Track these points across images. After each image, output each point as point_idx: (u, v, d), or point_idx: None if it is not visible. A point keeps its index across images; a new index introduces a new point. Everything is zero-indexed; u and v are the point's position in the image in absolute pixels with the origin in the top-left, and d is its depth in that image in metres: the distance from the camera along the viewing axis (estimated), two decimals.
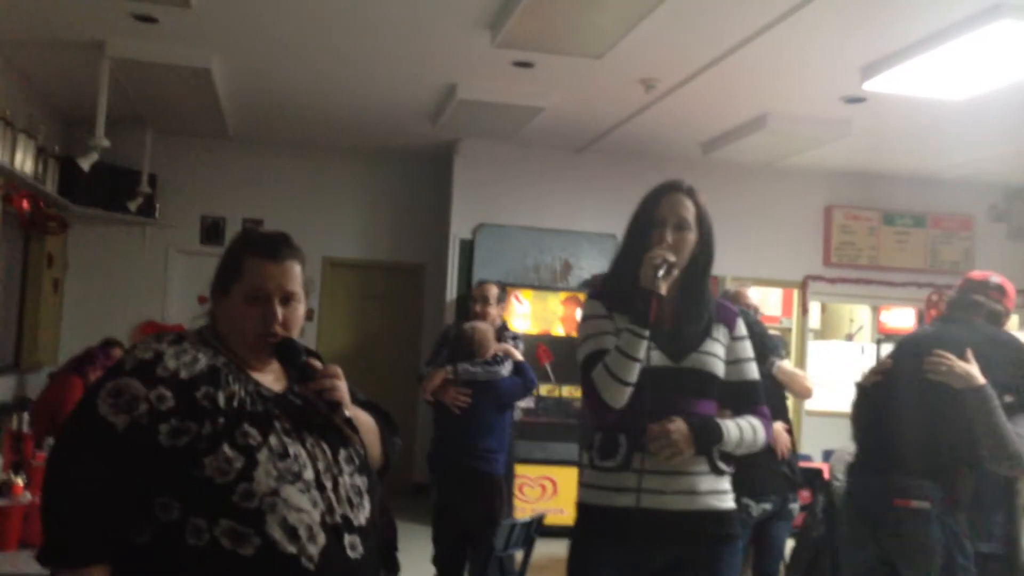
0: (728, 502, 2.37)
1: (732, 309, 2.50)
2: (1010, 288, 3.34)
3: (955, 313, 3.29)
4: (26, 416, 4.42)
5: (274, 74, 6.38)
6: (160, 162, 7.80)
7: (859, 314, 9.73)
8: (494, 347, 4.75)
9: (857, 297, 8.80)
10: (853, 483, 3.37)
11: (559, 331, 7.03)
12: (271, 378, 1.86)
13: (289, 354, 1.84)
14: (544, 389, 6.85)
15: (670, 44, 5.32)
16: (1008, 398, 3.06)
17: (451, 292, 8.00)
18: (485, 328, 4.83)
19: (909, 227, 8.62)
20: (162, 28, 5.44)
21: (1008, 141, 6.97)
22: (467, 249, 7.95)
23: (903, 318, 9.06)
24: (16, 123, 5.86)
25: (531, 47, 5.40)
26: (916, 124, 6.67)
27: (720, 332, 2.42)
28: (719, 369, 2.39)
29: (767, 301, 8.58)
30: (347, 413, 1.81)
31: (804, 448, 7.87)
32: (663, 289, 2.29)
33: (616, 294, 2.40)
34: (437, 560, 4.79)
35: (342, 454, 1.82)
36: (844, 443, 5.24)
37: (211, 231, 8.29)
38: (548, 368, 6.98)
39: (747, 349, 2.46)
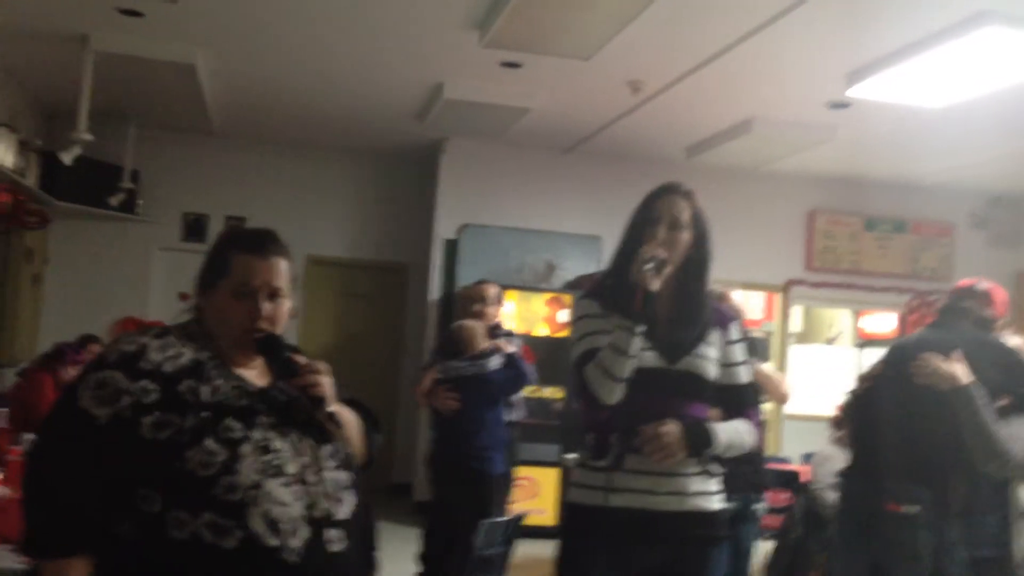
0: (716, 503, 2.39)
1: (727, 312, 2.52)
2: (999, 294, 3.37)
3: (944, 319, 3.33)
4: (3, 411, 4.37)
5: (260, 71, 6.35)
6: (143, 158, 7.74)
7: (840, 319, 9.79)
8: (483, 343, 4.75)
9: (838, 302, 8.86)
10: (845, 488, 3.40)
11: (542, 332, 7.03)
12: (255, 373, 1.87)
13: (273, 350, 1.85)
14: (526, 390, 6.86)
15: (657, 47, 5.34)
16: (1003, 401, 3.09)
17: (434, 292, 7.99)
18: (472, 325, 4.83)
19: (890, 233, 8.68)
20: (147, 22, 5.41)
21: (989, 148, 7.02)
22: (451, 249, 7.94)
23: (883, 323, 9.13)
24: None
25: (519, 47, 5.40)
26: (899, 130, 6.71)
27: (714, 335, 2.44)
28: (712, 372, 2.41)
29: (749, 305, 8.61)
30: (331, 409, 1.82)
31: (784, 451, 7.92)
32: (654, 285, 2.30)
33: (611, 293, 2.41)
34: (424, 557, 4.78)
35: (325, 449, 1.83)
36: (823, 446, 5.28)
37: (194, 228, 8.24)
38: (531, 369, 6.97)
39: (740, 353, 2.48)
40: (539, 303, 7.17)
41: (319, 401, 1.81)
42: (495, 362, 4.70)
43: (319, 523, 1.73)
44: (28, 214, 6.65)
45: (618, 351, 2.28)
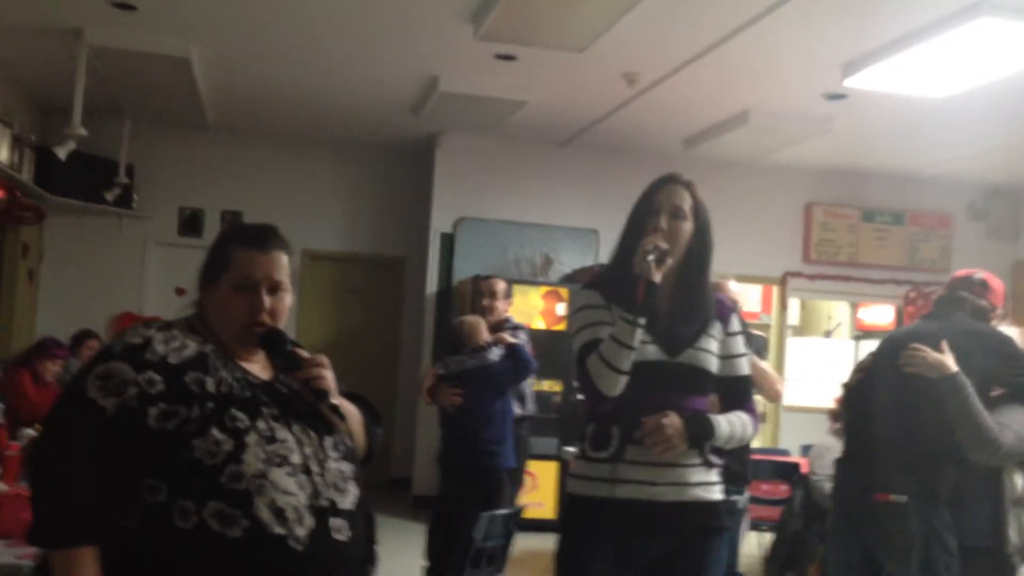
0: (716, 493, 2.39)
1: (728, 304, 2.51)
2: (996, 284, 3.37)
3: (939, 309, 3.35)
4: (2, 405, 4.37)
5: (254, 65, 6.33)
6: (138, 152, 7.72)
7: (838, 311, 9.80)
8: (484, 336, 4.76)
9: (836, 294, 8.85)
10: (837, 478, 3.41)
11: (539, 325, 7.03)
12: (258, 367, 1.89)
13: (275, 344, 1.87)
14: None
15: (653, 39, 5.33)
16: (996, 390, 3.10)
17: (431, 286, 7.98)
18: (473, 320, 4.84)
19: (888, 224, 8.68)
20: (141, 16, 5.39)
21: (987, 139, 7.02)
22: (447, 243, 7.93)
23: (881, 315, 9.14)
24: None
25: (514, 40, 5.39)
26: (896, 121, 6.71)
27: (715, 328, 2.43)
28: (713, 365, 2.40)
29: (746, 297, 8.61)
30: (334, 402, 1.85)
31: (782, 443, 7.93)
32: (656, 276, 2.29)
33: (614, 284, 2.40)
34: (429, 552, 4.80)
35: (328, 441, 1.86)
36: (822, 438, 5.29)
37: (189, 223, 8.22)
38: None
39: (740, 345, 2.48)
40: (536, 296, 7.16)
41: (322, 394, 1.84)
42: (496, 354, 4.71)
43: (324, 512, 1.76)
44: (23, 209, 6.63)
45: (619, 343, 2.28)
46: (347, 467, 1.86)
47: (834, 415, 5.09)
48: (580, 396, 2.51)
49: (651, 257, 2.28)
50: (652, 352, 2.33)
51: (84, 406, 1.71)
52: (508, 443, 4.74)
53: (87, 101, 5.94)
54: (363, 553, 1.86)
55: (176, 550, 1.67)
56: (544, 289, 7.25)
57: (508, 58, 5.78)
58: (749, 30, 5.03)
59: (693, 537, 2.35)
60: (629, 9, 4.74)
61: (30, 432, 4.02)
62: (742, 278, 8.00)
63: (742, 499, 4.22)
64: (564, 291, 7.20)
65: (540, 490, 6.85)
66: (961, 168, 8.02)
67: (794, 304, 8.98)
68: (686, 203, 2.40)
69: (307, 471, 1.77)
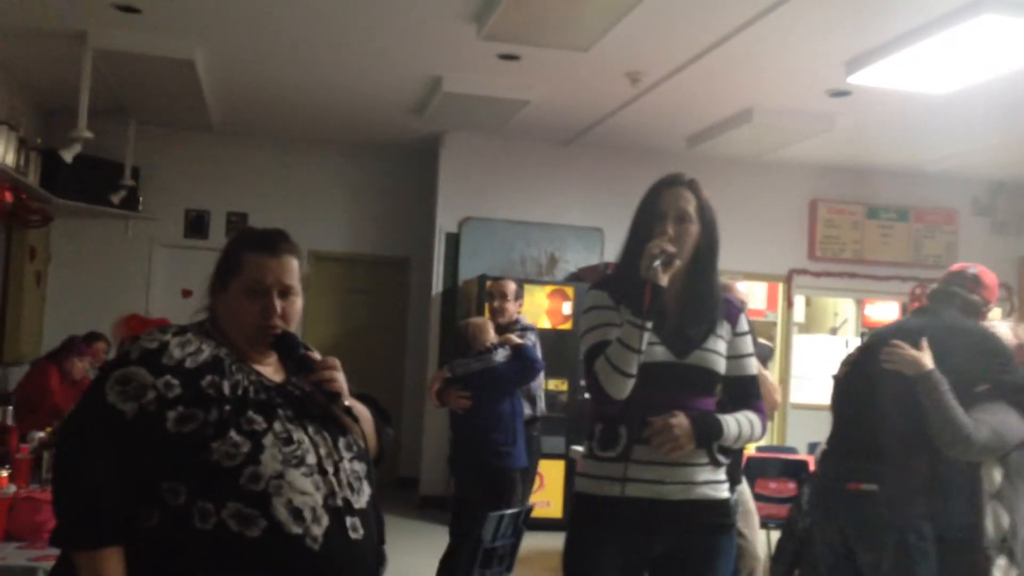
0: (724, 492, 2.40)
1: (737, 304, 2.52)
2: (988, 278, 3.39)
3: (932, 304, 3.39)
4: (10, 409, 4.38)
5: (258, 66, 6.35)
6: (143, 154, 7.74)
7: (843, 308, 9.78)
8: (490, 338, 4.76)
9: (841, 291, 8.85)
10: (819, 469, 3.51)
11: (545, 324, 7.03)
12: (270, 370, 1.92)
13: (288, 347, 1.90)
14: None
15: (656, 38, 5.33)
16: (981, 387, 3.13)
17: (436, 286, 7.99)
18: (479, 322, 4.85)
19: (893, 221, 8.67)
20: (145, 18, 5.40)
21: (991, 135, 7.01)
22: (453, 242, 7.94)
23: (887, 312, 9.12)
24: None
25: (517, 40, 5.39)
26: (900, 118, 6.70)
27: (723, 328, 2.44)
28: (721, 366, 2.41)
29: (752, 295, 8.61)
30: (346, 403, 1.87)
31: (789, 441, 7.93)
32: (663, 280, 2.30)
33: (622, 285, 2.41)
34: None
35: (341, 441, 1.89)
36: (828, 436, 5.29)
37: (195, 224, 8.24)
38: None
39: (748, 344, 2.49)
40: (542, 296, 7.17)
41: (335, 396, 1.87)
42: (501, 355, 4.71)
43: (339, 511, 1.79)
44: (30, 212, 6.65)
45: (626, 347, 2.28)
46: (360, 467, 1.90)
47: None
48: (588, 395, 2.51)
49: (656, 262, 2.29)
50: (660, 353, 2.34)
51: (104, 411, 1.74)
52: (519, 444, 4.74)
53: (92, 104, 5.96)
54: (375, 551, 1.88)
55: (196, 551, 1.70)
56: (550, 288, 7.26)
57: (511, 58, 5.79)
58: (752, 28, 5.03)
59: (701, 535, 2.36)
60: (632, 8, 4.74)
61: (40, 435, 4.03)
62: (747, 276, 8.03)
63: (734, 498, 4.24)
64: (570, 290, 7.20)
65: (547, 489, 6.86)
66: (965, 164, 8.01)
67: (800, 301, 8.97)
68: (691, 205, 2.40)
69: (322, 471, 1.80)
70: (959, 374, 3.09)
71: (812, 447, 6.46)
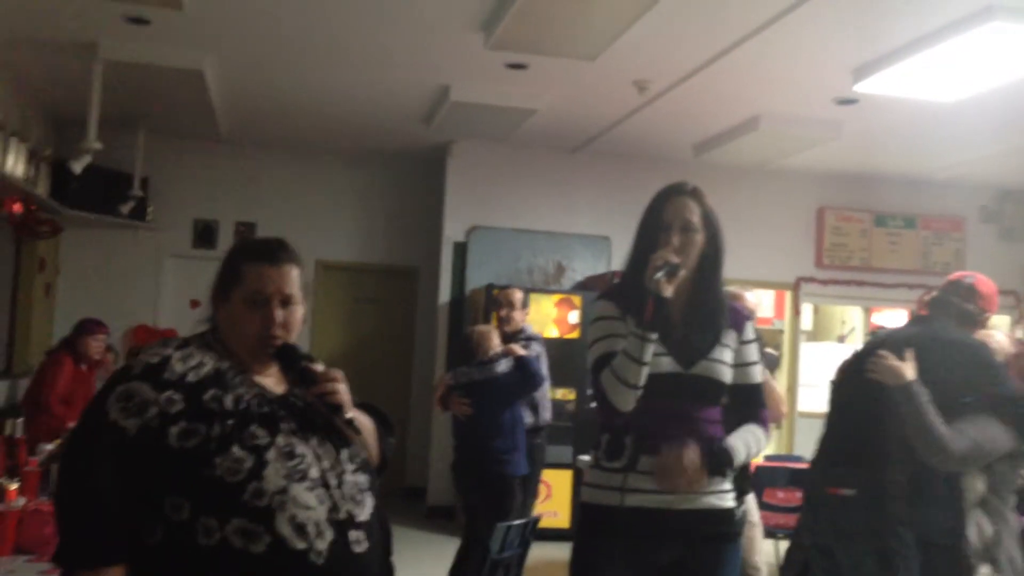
0: (729, 500, 2.40)
1: (743, 312, 2.51)
2: (985, 288, 3.40)
3: (930, 313, 3.41)
4: (19, 422, 4.40)
5: (267, 76, 6.37)
6: (152, 165, 7.77)
7: (851, 316, 9.76)
8: (495, 347, 4.78)
9: (849, 299, 8.82)
10: (808, 475, 3.58)
11: (552, 333, 7.03)
12: (272, 381, 1.91)
13: (290, 359, 1.89)
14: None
15: (663, 46, 5.33)
16: (968, 398, 3.16)
17: (444, 295, 7.99)
18: (483, 330, 4.87)
19: (901, 228, 8.65)
20: (154, 29, 5.43)
21: (998, 142, 7.00)
22: (460, 251, 7.95)
23: (895, 319, 9.09)
24: (7, 126, 5.84)
25: (524, 49, 5.41)
26: (907, 126, 6.69)
27: (730, 337, 2.44)
28: (727, 376, 2.41)
29: (760, 303, 8.59)
30: (348, 415, 1.86)
31: (797, 450, 7.90)
32: (667, 291, 2.29)
33: (628, 295, 2.41)
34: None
35: (344, 453, 1.88)
36: None
37: (204, 234, 8.26)
38: None
39: (753, 353, 2.49)
40: (549, 305, 7.16)
41: (337, 408, 1.86)
42: (503, 365, 4.72)
43: (342, 525, 1.78)
44: (39, 223, 6.68)
45: (632, 358, 2.28)
46: (363, 479, 1.88)
47: None
48: (594, 405, 2.51)
49: (660, 274, 2.28)
50: (666, 364, 2.34)
51: (106, 427, 1.73)
52: (519, 451, 4.76)
53: (102, 114, 5.99)
54: (380, 563, 1.87)
55: (200, 567, 1.69)
56: (557, 297, 7.25)
57: (519, 67, 5.80)
58: (759, 36, 5.04)
59: (706, 543, 2.36)
60: (639, 17, 4.75)
61: (49, 447, 4.04)
62: (755, 284, 8.01)
63: (741, 510, 4.24)
64: (577, 299, 7.20)
65: (554, 499, 6.85)
66: (973, 171, 8.00)
67: (807, 309, 8.95)
68: (695, 215, 2.40)
69: (326, 485, 1.79)
70: (945, 385, 3.13)
71: None
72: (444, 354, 7.88)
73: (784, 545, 5.57)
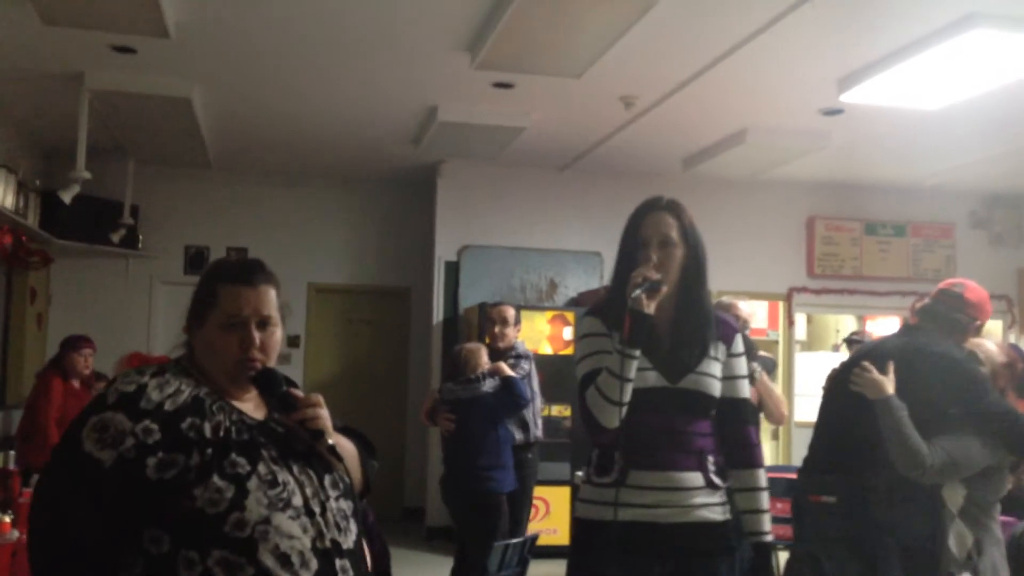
0: (722, 514, 2.38)
1: (732, 325, 2.51)
2: (974, 295, 3.39)
3: (919, 322, 3.43)
4: (12, 453, 4.37)
5: (254, 102, 6.38)
6: (142, 193, 7.77)
7: (845, 324, 9.77)
8: (483, 365, 4.79)
9: (842, 307, 8.84)
10: (795, 482, 3.61)
11: (547, 350, 7.03)
12: (251, 406, 1.85)
13: (269, 384, 1.83)
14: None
15: (648, 62, 5.36)
16: (952, 411, 3.20)
17: (438, 315, 7.99)
18: (472, 348, 4.88)
19: (891, 236, 8.68)
20: (141, 59, 5.44)
21: (985, 148, 7.04)
22: (452, 271, 7.95)
23: (888, 327, 9.10)
24: None
25: (510, 68, 5.43)
26: (894, 134, 6.73)
27: (718, 350, 2.43)
28: (715, 389, 2.40)
29: (754, 314, 8.60)
30: (330, 441, 1.80)
31: (795, 460, 7.89)
32: (648, 308, 2.29)
33: (614, 312, 2.40)
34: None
35: (327, 479, 1.82)
36: None
37: (195, 261, 8.26)
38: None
39: (742, 366, 2.48)
40: (542, 321, 7.17)
41: (319, 433, 1.80)
42: (489, 385, 4.73)
43: (327, 554, 1.73)
44: (30, 254, 6.67)
45: (615, 376, 2.28)
46: (347, 505, 1.83)
47: None
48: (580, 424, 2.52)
49: (637, 291, 2.28)
50: (653, 378, 2.34)
51: (80, 460, 1.66)
52: (505, 469, 4.77)
53: (90, 143, 6.00)
54: None
55: None
56: (550, 314, 7.26)
57: (505, 86, 5.83)
58: (743, 50, 5.07)
59: (699, 558, 2.35)
60: (622, 34, 4.78)
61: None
62: (747, 295, 8.03)
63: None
64: (570, 315, 7.20)
65: (553, 516, 6.83)
66: (961, 177, 8.04)
67: (801, 319, 8.96)
68: (673, 230, 2.40)
69: (310, 513, 1.73)
70: (928, 398, 3.18)
71: None
72: (439, 374, 7.87)
73: (784, 556, 5.56)
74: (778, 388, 4.80)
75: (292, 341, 8.29)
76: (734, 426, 2.44)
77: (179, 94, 5.94)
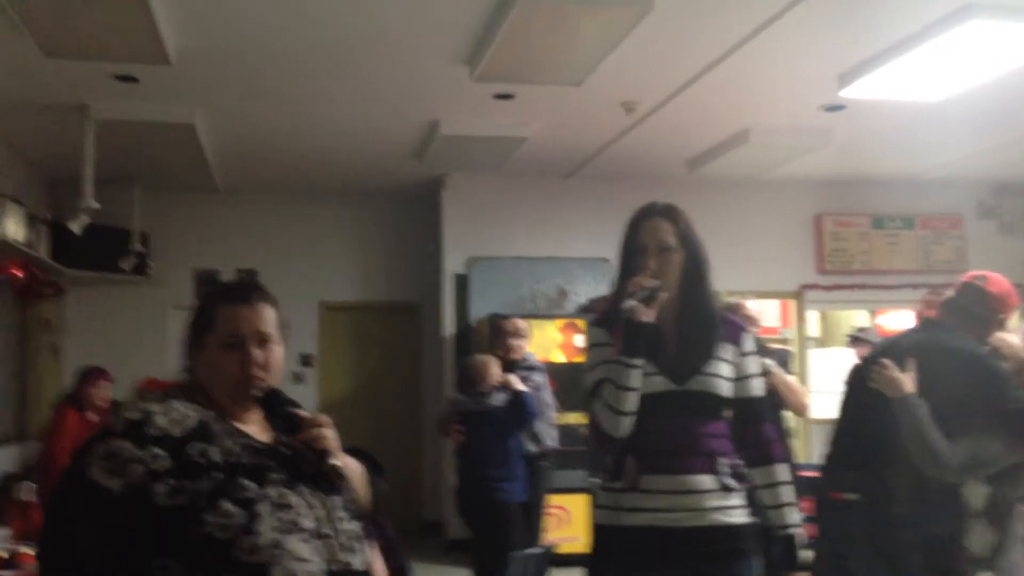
0: (738, 517, 2.38)
1: (739, 324, 2.51)
2: (996, 288, 3.29)
3: (943, 316, 3.37)
4: (32, 485, 4.39)
5: (257, 124, 6.42)
6: (150, 219, 7.82)
7: (858, 319, 9.73)
8: (494, 378, 4.79)
9: (853, 303, 8.81)
10: (817, 480, 3.58)
11: (559, 358, 7.02)
12: (256, 428, 1.84)
13: (275, 406, 1.83)
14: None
15: (647, 66, 5.37)
16: (974, 408, 3.15)
17: (448, 328, 8.00)
18: (482, 360, 4.90)
19: (899, 229, 8.66)
20: (143, 87, 5.48)
21: (988, 138, 7.02)
22: (462, 283, 7.96)
23: (901, 320, 9.06)
24: (4, 191, 5.88)
25: (510, 79, 5.45)
26: (897, 127, 6.72)
27: (727, 351, 2.43)
28: (724, 389, 2.40)
29: (765, 313, 8.57)
30: (337, 462, 1.80)
31: (813, 457, 7.85)
32: (648, 316, 2.29)
33: (617, 321, 2.41)
34: None
35: (336, 501, 1.81)
36: None
37: (206, 284, 8.29)
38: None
39: (753, 365, 2.48)
40: (553, 330, 7.17)
41: (325, 455, 1.79)
42: (498, 399, 4.74)
43: None
44: (42, 286, 6.71)
45: (619, 386, 2.28)
46: (357, 526, 1.82)
47: None
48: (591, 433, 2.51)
49: (631, 302, 2.28)
50: (659, 383, 2.34)
51: (87, 489, 1.64)
52: (516, 480, 4.77)
53: (97, 173, 6.04)
54: None
55: None
56: (561, 322, 7.26)
57: (506, 97, 5.84)
58: (742, 50, 5.07)
59: (715, 562, 2.34)
60: (620, 40, 4.79)
61: None
62: (758, 294, 8.01)
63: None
64: (581, 322, 7.20)
65: (572, 524, 6.81)
66: (966, 168, 8.01)
67: (813, 316, 8.93)
68: (670, 235, 2.40)
69: (320, 535, 1.72)
70: (948, 395, 3.10)
71: None
72: (451, 387, 7.88)
73: (807, 555, 5.53)
74: (795, 379, 4.79)
75: (306, 360, 8.32)
76: (749, 425, 2.44)
77: (182, 120, 5.98)
